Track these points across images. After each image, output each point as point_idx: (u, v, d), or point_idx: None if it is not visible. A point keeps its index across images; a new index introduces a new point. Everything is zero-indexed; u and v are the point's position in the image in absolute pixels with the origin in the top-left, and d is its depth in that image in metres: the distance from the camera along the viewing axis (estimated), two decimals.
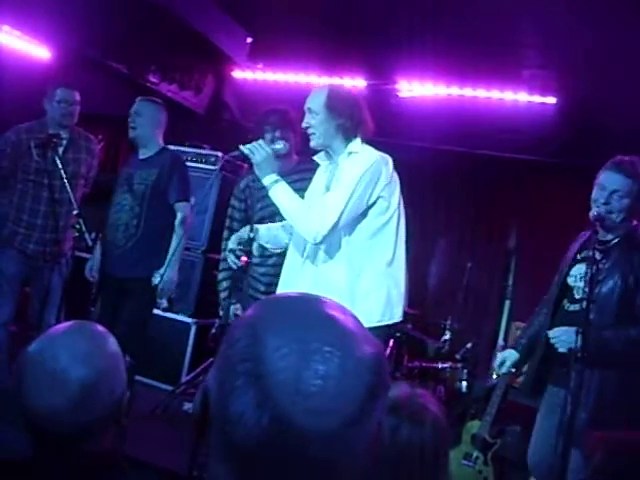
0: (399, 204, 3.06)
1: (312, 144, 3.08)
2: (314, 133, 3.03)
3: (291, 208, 2.98)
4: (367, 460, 0.79)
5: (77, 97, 4.40)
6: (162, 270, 4.14)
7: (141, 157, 4.39)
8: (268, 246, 3.31)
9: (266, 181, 3.00)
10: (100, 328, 1.48)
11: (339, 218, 2.88)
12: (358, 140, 3.04)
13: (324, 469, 0.75)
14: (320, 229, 2.88)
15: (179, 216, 4.26)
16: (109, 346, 1.43)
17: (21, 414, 1.35)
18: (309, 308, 0.82)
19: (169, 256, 4.14)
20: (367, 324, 2.82)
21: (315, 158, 3.22)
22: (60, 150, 4.25)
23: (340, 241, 2.99)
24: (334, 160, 3.11)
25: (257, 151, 2.99)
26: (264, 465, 0.75)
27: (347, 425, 0.74)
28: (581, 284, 3.04)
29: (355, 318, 0.85)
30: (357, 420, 0.75)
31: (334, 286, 2.98)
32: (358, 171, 2.93)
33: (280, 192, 2.99)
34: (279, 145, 3.10)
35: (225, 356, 0.78)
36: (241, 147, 3.03)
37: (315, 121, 3.01)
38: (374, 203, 2.97)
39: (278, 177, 3.01)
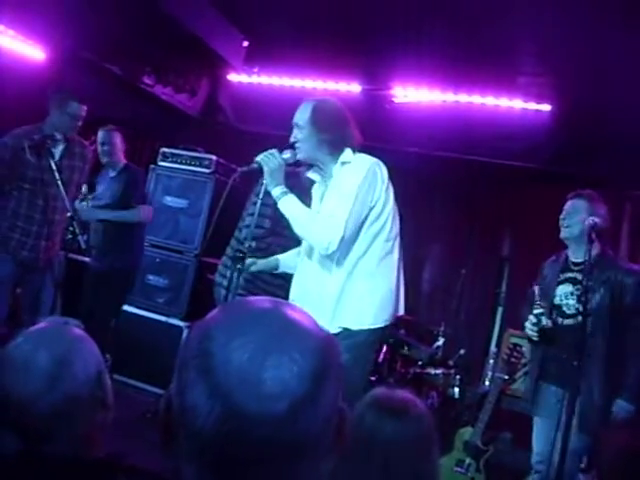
0: (393, 206, 3.09)
1: (298, 157, 3.08)
2: (299, 147, 3.05)
3: (302, 219, 2.99)
4: (325, 445, 0.83)
5: (84, 113, 4.35)
6: None
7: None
8: (290, 271, 3.33)
9: (275, 192, 3.00)
10: (66, 323, 1.54)
11: (345, 227, 2.90)
12: (349, 151, 3.05)
13: (279, 452, 0.79)
14: (332, 239, 2.90)
15: None
16: (72, 331, 1.48)
17: (5, 411, 1.37)
18: (257, 307, 0.88)
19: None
20: (359, 326, 2.79)
21: (309, 174, 3.22)
22: (57, 153, 4.24)
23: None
24: (325, 174, 3.13)
25: (270, 160, 3.00)
26: (223, 453, 0.79)
27: (296, 407, 0.78)
28: (570, 301, 3.52)
29: (305, 313, 0.89)
30: (306, 402, 0.79)
31: (327, 288, 3.02)
32: (356, 179, 2.95)
33: (290, 203, 3.00)
34: (287, 154, 3.10)
35: (181, 357, 0.85)
36: (256, 158, 3.04)
37: (301, 136, 3.04)
38: (373, 207, 2.99)
39: (287, 189, 3.02)
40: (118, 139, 5.12)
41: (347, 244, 2.97)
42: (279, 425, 0.77)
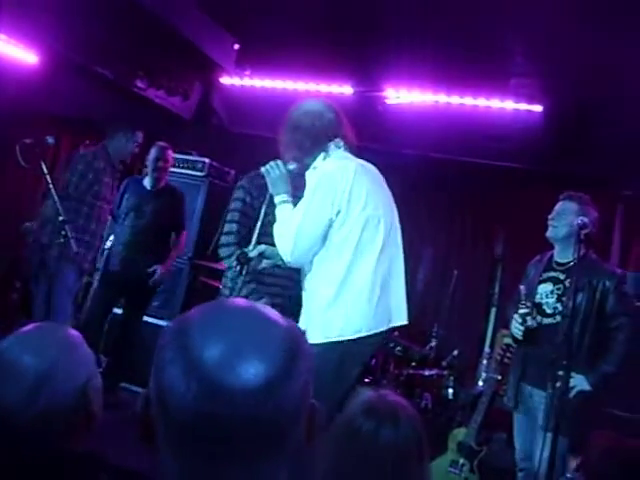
0: (368, 210, 2.90)
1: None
2: None
3: (279, 228, 2.99)
4: (299, 433, 0.87)
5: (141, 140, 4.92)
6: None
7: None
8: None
9: (277, 199, 3.04)
10: (62, 326, 1.52)
11: (295, 240, 2.87)
12: (320, 156, 3.02)
13: (257, 431, 0.81)
14: (285, 251, 2.92)
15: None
16: (65, 337, 1.45)
17: None
18: (230, 304, 0.94)
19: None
20: (319, 340, 2.69)
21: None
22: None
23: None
24: None
25: (273, 170, 3.04)
26: (202, 437, 0.81)
27: (272, 382, 0.82)
28: (550, 300, 3.53)
29: (272, 310, 0.94)
30: (281, 378, 0.83)
31: (305, 297, 3.04)
32: (311, 189, 2.94)
33: (281, 212, 3.01)
34: (291, 165, 3.10)
35: (158, 347, 0.88)
36: (262, 168, 3.08)
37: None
38: (338, 213, 2.86)
39: (288, 198, 3.02)
40: (171, 156, 5.24)
41: (310, 253, 2.91)
42: (257, 401, 0.80)
